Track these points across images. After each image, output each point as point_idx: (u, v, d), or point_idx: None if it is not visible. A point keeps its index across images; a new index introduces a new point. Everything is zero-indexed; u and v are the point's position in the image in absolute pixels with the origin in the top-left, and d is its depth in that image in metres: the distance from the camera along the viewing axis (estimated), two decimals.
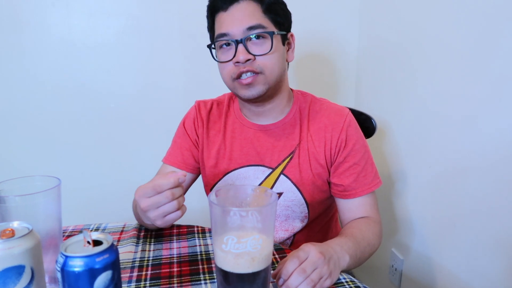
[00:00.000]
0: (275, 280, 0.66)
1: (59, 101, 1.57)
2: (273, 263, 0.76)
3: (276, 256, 0.80)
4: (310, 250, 0.67)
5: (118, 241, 0.86)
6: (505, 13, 0.93)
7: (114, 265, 0.48)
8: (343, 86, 1.79)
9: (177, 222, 0.94)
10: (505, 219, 0.97)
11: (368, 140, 1.25)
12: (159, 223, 0.72)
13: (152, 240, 0.86)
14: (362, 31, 1.70)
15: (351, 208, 0.94)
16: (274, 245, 0.83)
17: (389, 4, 1.47)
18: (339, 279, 0.71)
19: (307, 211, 0.98)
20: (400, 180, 1.44)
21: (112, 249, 0.49)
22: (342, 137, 0.93)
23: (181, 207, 0.71)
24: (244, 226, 0.57)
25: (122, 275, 0.71)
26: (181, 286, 0.69)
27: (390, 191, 1.51)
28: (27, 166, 1.59)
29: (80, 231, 0.62)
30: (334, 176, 0.95)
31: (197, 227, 0.92)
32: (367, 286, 0.70)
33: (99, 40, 1.55)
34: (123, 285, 0.69)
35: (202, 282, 0.70)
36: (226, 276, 0.57)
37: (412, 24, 1.32)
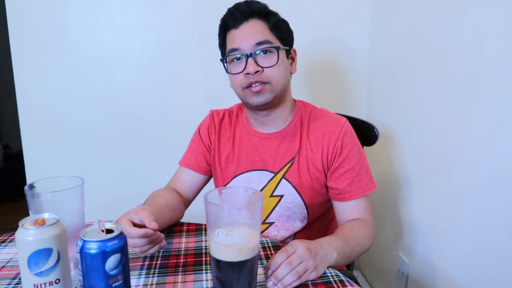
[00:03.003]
0: (266, 272, 0.75)
1: (89, 109, 1.73)
2: (267, 257, 0.85)
3: (273, 251, 0.89)
4: (297, 246, 0.76)
5: None
6: None
7: (122, 249, 0.59)
8: (355, 96, 1.86)
9: (187, 220, 1.06)
10: (505, 226, 1.00)
11: (374, 147, 1.31)
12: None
13: (165, 235, 0.96)
14: (372, 42, 1.77)
15: (345, 210, 1.02)
16: (272, 242, 0.93)
17: (399, 15, 1.53)
18: (325, 273, 0.79)
19: (306, 212, 1.06)
20: (406, 186, 1.50)
21: (121, 236, 0.60)
22: (338, 145, 1.01)
23: (144, 251, 0.80)
24: (236, 222, 0.66)
25: (135, 264, 0.83)
26: (185, 274, 0.79)
27: (397, 197, 1.56)
28: (60, 167, 1.76)
29: None
30: (331, 180, 1.03)
31: (205, 225, 1.02)
32: (350, 280, 0.78)
33: (125, 54, 1.70)
34: (136, 272, 0.80)
35: (204, 271, 0.80)
36: (218, 263, 0.67)
37: (422, 35, 1.36)
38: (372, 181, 1.04)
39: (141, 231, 0.77)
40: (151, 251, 0.81)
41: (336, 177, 1.02)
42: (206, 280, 0.77)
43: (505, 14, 0.97)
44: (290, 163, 1.05)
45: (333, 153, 1.02)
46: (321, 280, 0.77)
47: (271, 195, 1.06)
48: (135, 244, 0.78)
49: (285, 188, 1.05)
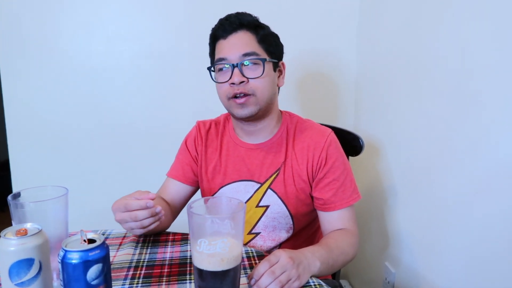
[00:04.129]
0: (249, 281, 0.76)
1: (77, 118, 1.73)
2: (252, 267, 0.86)
3: (257, 261, 0.89)
4: (280, 255, 0.77)
5: (120, 245, 0.97)
6: (498, 38, 0.98)
7: (104, 259, 0.59)
8: (343, 107, 1.88)
9: (173, 230, 1.06)
10: (489, 235, 1.02)
11: (361, 157, 1.33)
12: (131, 232, 0.89)
13: (150, 244, 0.97)
14: (359, 54, 1.80)
15: (330, 220, 1.03)
16: (257, 252, 0.93)
17: (386, 28, 1.56)
18: (308, 282, 0.80)
19: (291, 222, 1.07)
20: (393, 196, 1.51)
21: (103, 247, 0.60)
22: (323, 156, 1.03)
23: (145, 227, 0.84)
24: (219, 232, 0.67)
25: (119, 274, 0.82)
26: (168, 284, 0.79)
27: (383, 207, 1.58)
28: (46, 176, 1.75)
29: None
30: (316, 191, 1.04)
31: None
32: None
33: (115, 63, 1.70)
34: (119, 282, 0.79)
35: (187, 281, 0.80)
36: (201, 273, 0.67)
37: (408, 47, 1.39)
38: (356, 192, 1.05)
39: (143, 201, 0.81)
40: (152, 226, 0.85)
41: (321, 187, 1.03)
42: None
43: (489, 28, 0.99)
44: (275, 174, 1.06)
45: (318, 164, 1.03)
46: None
47: (257, 206, 1.07)
48: (137, 216, 0.81)
49: (270, 198, 1.06)
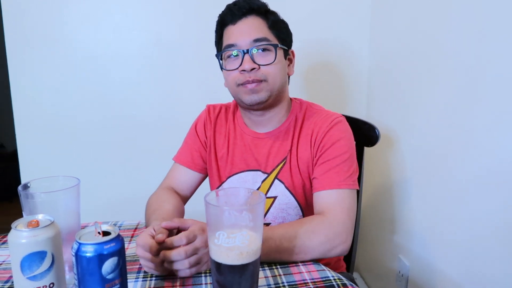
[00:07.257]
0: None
1: (85, 109, 1.71)
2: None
3: None
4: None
5: (132, 237, 0.95)
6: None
7: (119, 252, 0.57)
8: (355, 96, 1.84)
9: None
10: (503, 227, 0.99)
11: (373, 148, 1.30)
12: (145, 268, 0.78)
13: None
14: (372, 42, 1.76)
15: (317, 200, 0.95)
16: None
17: (399, 17, 1.52)
18: (327, 276, 0.77)
19: (301, 213, 1.04)
20: (406, 187, 1.48)
21: (118, 239, 0.57)
22: (324, 138, 0.98)
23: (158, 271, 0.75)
24: (237, 224, 0.64)
25: (132, 267, 0.80)
26: (183, 277, 0.77)
27: (397, 199, 1.55)
28: (55, 167, 1.73)
29: None
30: (313, 171, 0.99)
31: None
32: (353, 284, 0.76)
33: (123, 53, 1.67)
34: (133, 275, 0.77)
35: (203, 275, 0.78)
36: (219, 267, 0.64)
37: (422, 36, 1.36)
38: (352, 179, 0.95)
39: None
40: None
41: (316, 166, 0.98)
42: (206, 283, 0.75)
43: (505, 16, 0.96)
44: (282, 163, 1.02)
45: (318, 145, 0.98)
46: (323, 284, 0.75)
47: (265, 196, 1.04)
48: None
49: (278, 189, 1.03)
